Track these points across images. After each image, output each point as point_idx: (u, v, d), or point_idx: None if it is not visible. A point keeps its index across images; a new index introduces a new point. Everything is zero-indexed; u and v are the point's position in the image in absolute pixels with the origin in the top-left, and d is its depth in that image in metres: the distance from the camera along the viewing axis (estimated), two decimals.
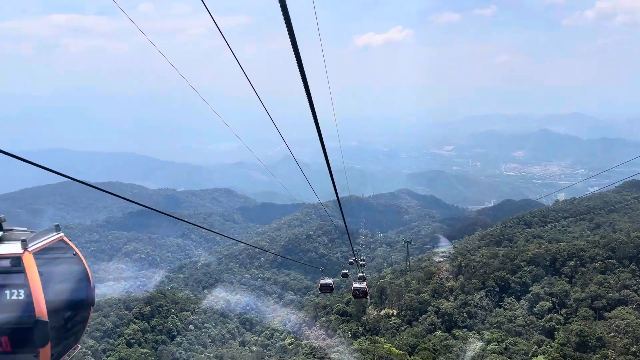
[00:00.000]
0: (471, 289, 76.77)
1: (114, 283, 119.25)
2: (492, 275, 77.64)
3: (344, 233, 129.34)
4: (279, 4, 4.46)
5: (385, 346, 61.84)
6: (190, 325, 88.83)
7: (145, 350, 77.37)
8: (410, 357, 59.96)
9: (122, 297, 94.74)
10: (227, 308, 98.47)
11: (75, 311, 5.71)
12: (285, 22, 4.70)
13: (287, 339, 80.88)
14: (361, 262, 39.62)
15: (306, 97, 5.97)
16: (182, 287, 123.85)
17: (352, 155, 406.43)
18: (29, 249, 4.98)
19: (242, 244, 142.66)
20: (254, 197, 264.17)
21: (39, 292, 4.82)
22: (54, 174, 6.38)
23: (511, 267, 78.60)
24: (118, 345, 77.35)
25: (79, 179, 7.08)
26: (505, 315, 69.86)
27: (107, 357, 73.77)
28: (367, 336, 70.49)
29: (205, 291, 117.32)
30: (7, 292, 4.83)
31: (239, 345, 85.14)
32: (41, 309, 4.80)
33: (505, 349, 60.10)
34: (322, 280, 37.90)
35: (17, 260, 4.90)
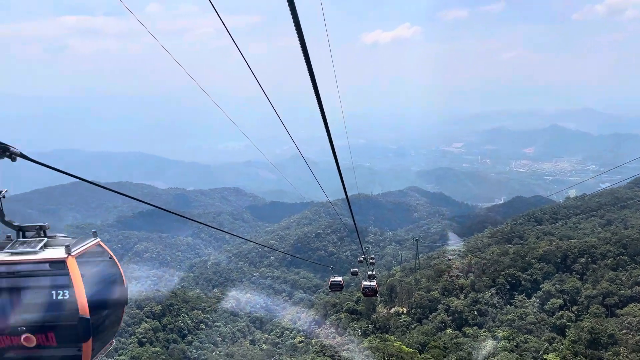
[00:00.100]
0: (482, 286, 76.46)
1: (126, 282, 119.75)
2: (502, 273, 77.27)
3: (353, 231, 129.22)
4: (287, 3, 4.46)
5: (395, 344, 61.73)
6: (201, 324, 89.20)
7: (157, 349, 77.77)
8: (420, 355, 59.82)
9: (133, 296, 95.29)
10: (237, 307, 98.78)
11: (111, 310, 6.22)
12: (294, 21, 4.69)
13: (297, 337, 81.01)
14: (371, 261, 39.56)
15: (315, 97, 5.96)
16: (192, 286, 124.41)
17: (361, 153, 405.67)
18: (72, 254, 5.49)
19: (252, 243, 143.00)
20: (262, 195, 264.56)
21: (81, 292, 5.33)
22: (65, 175, 6.56)
23: (522, 264, 78.18)
24: (130, 344, 77.83)
25: (89, 179, 7.17)
26: (516, 313, 69.51)
27: (119, 356, 74.28)
28: (377, 334, 70.40)
29: (216, 290, 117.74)
30: (54, 292, 5.33)
31: (250, 344, 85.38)
32: (84, 308, 5.29)
33: (516, 346, 59.81)
34: (332, 279, 38.05)
35: (62, 263, 5.40)
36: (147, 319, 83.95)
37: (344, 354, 64.69)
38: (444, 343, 63.08)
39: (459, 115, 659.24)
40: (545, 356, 55.80)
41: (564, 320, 64.55)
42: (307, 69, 5.43)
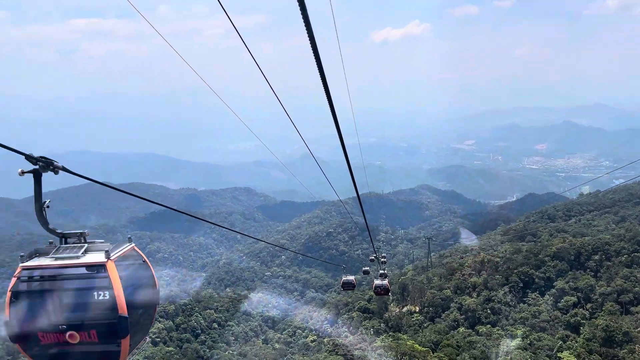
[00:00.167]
0: (494, 284, 76.00)
1: None
2: (515, 271, 76.77)
3: (364, 230, 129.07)
4: (297, 2, 4.45)
5: (408, 343, 61.57)
6: (214, 324, 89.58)
7: (170, 348, 78.24)
8: (433, 353, 59.63)
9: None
10: (249, 306, 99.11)
11: (145, 309, 6.78)
12: (304, 20, 4.68)
13: (310, 336, 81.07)
14: (382, 259, 39.48)
15: (325, 96, 5.95)
16: (204, 286, 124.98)
17: (371, 152, 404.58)
18: (111, 258, 5.99)
19: (263, 242, 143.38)
20: (273, 195, 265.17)
21: (120, 293, 5.81)
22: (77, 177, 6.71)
23: (535, 262, 77.62)
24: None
25: (101, 180, 7.27)
26: (530, 311, 69.04)
27: (133, 355, 74.77)
28: (390, 333, 70.27)
29: (228, 289, 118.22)
30: (95, 293, 5.82)
31: (262, 343, 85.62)
32: (123, 307, 5.78)
33: (529, 344, 59.42)
34: (344, 278, 38.14)
35: (102, 267, 5.90)
36: (161, 319, 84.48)
37: (356, 353, 64.69)
38: (457, 342, 62.82)
39: (470, 112, 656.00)
40: (559, 354, 55.38)
41: (578, 318, 64.02)
42: (317, 67, 5.42)
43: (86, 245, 6.22)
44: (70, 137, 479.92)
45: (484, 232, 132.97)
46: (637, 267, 68.86)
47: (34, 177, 5.84)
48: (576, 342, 57.67)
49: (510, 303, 72.67)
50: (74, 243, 6.33)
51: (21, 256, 6.09)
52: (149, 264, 7.11)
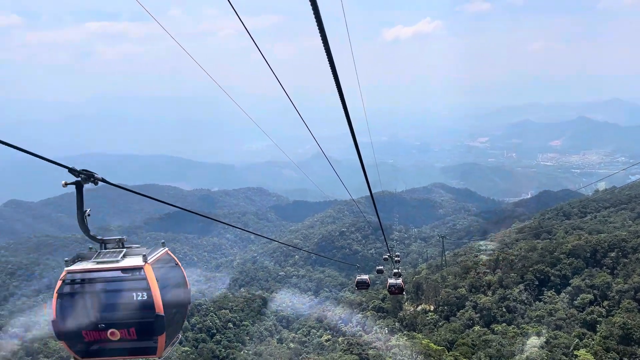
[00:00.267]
0: (510, 283, 75.42)
1: None
2: (531, 269, 76.14)
3: (377, 229, 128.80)
4: (309, 2, 4.46)
5: (423, 342, 61.42)
6: (229, 323, 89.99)
7: (186, 348, 78.73)
8: (448, 352, 59.40)
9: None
10: (263, 305, 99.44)
11: (178, 308, 7.23)
12: (316, 20, 4.68)
13: (324, 335, 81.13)
14: (396, 258, 39.36)
15: (338, 95, 5.96)
16: (219, 286, 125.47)
17: (384, 150, 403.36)
18: (148, 261, 6.47)
19: (277, 242, 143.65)
20: (286, 195, 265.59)
21: (157, 294, 6.25)
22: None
23: (550, 259, 76.89)
24: None
25: (114, 182, 7.37)
26: (545, 309, 68.45)
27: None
28: (405, 332, 70.09)
29: (242, 289, 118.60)
30: (134, 294, 6.28)
31: (277, 343, 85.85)
32: (159, 307, 6.21)
33: (546, 342, 58.92)
34: (358, 277, 38.28)
35: (140, 270, 6.37)
36: None
37: (371, 352, 64.63)
38: (472, 340, 62.50)
39: (483, 109, 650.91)
40: (575, 352, 54.86)
41: (595, 316, 63.31)
42: (329, 67, 5.44)
43: (124, 250, 6.74)
44: (85, 139, 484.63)
45: (499, 230, 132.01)
46: None
47: (76, 188, 6.35)
48: (593, 340, 57.07)
49: (525, 301, 72.09)
50: (113, 248, 6.84)
51: (65, 261, 6.57)
52: (181, 266, 7.70)
